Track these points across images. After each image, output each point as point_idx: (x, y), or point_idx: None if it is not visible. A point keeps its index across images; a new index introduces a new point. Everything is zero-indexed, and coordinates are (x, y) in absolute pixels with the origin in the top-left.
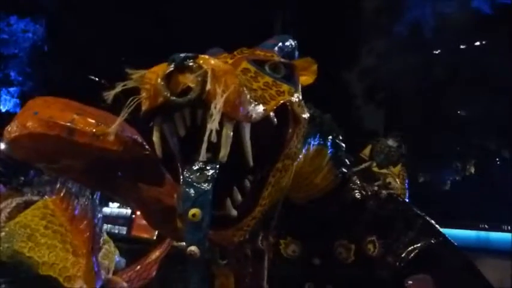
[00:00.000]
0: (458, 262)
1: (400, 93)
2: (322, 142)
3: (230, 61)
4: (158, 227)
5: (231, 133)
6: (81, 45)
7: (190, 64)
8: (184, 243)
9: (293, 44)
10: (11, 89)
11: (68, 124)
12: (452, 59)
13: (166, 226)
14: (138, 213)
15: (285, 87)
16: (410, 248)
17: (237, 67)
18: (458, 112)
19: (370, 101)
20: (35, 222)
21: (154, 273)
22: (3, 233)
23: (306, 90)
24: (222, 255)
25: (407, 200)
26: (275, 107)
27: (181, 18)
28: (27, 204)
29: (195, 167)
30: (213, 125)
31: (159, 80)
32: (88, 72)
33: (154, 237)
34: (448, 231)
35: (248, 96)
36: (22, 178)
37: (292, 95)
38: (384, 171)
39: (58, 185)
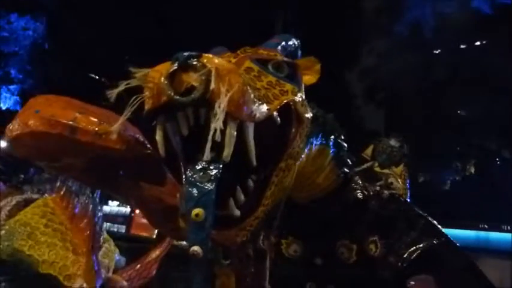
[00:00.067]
0: (460, 263)
1: (400, 93)
2: (324, 142)
3: (233, 60)
4: (159, 226)
5: (235, 132)
6: (81, 43)
7: (194, 63)
8: (184, 242)
9: (296, 43)
10: (11, 87)
11: (70, 122)
12: (452, 59)
13: (167, 225)
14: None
15: (288, 86)
16: (412, 249)
17: (241, 66)
18: (458, 112)
19: (370, 101)
20: (35, 220)
21: (154, 272)
22: (3, 231)
23: (307, 90)
24: (224, 255)
25: (408, 200)
26: (278, 107)
27: (181, 17)
28: (27, 202)
29: (198, 167)
30: (217, 124)
31: (162, 78)
32: (88, 70)
33: (154, 236)
34: (448, 231)
35: (252, 95)
36: (22, 176)
37: (296, 95)
38: (386, 171)
39: (58, 183)
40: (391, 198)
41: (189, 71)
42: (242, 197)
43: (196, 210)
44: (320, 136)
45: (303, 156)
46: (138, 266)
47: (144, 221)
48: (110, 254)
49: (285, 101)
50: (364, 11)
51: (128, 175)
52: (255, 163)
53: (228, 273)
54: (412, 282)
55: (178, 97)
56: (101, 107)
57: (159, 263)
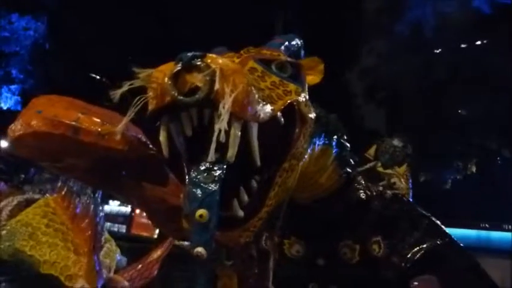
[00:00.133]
0: (464, 263)
1: (401, 93)
2: (327, 142)
3: (237, 60)
4: (162, 226)
5: (239, 133)
6: (82, 43)
7: (198, 63)
8: (186, 243)
9: (299, 43)
10: (12, 87)
11: (73, 123)
12: (452, 59)
13: (170, 226)
14: (137, 211)
15: (291, 86)
16: (415, 249)
17: (244, 66)
18: (459, 111)
19: (371, 101)
20: (36, 220)
21: (156, 272)
22: (4, 231)
23: (308, 90)
24: (227, 255)
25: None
26: (282, 107)
27: (182, 17)
28: (29, 203)
29: (202, 167)
30: (221, 124)
31: (166, 79)
32: (89, 70)
33: (155, 236)
34: (449, 231)
35: (256, 96)
36: (23, 176)
37: (299, 95)
38: (389, 171)
39: (59, 183)
40: (394, 198)
41: (193, 71)
42: (246, 198)
43: (200, 211)
44: (323, 136)
45: (305, 156)
46: (140, 266)
47: (145, 220)
48: (111, 254)
49: (288, 102)
50: (364, 10)
51: (131, 175)
52: (259, 163)
53: (230, 274)
54: (416, 283)
55: (182, 97)
56: (103, 107)
57: (160, 263)
